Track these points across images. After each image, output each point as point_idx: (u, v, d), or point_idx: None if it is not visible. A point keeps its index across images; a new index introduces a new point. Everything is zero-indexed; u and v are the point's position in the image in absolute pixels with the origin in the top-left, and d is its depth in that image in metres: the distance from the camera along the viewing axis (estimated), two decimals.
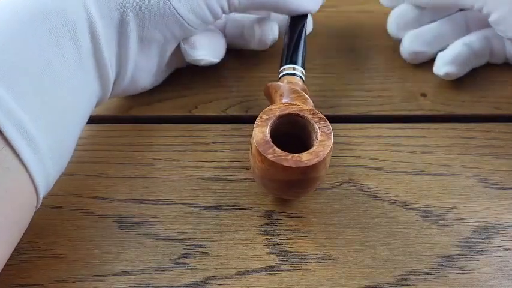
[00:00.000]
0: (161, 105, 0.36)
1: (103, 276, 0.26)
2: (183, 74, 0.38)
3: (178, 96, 0.37)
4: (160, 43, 0.31)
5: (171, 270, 0.26)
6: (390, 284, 0.26)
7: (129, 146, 0.32)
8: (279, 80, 0.32)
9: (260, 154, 0.25)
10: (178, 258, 0.27)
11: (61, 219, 0.28)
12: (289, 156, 0.25)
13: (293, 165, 0.25)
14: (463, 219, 0.29)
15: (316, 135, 0.26)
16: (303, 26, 0.34)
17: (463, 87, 0.37)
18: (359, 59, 0.40)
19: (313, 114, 0.27)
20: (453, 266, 0.26)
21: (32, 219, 0.25)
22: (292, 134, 0.27)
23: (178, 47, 0.33)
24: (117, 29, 0.28)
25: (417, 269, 0.26)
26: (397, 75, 0.38)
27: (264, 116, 0.27)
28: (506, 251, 0.27)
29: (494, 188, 0.30)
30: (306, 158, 0.25)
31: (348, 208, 0.29)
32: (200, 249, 0.27)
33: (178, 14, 0.29)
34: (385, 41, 0.41)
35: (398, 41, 0.38)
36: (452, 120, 0.35)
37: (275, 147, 0.25)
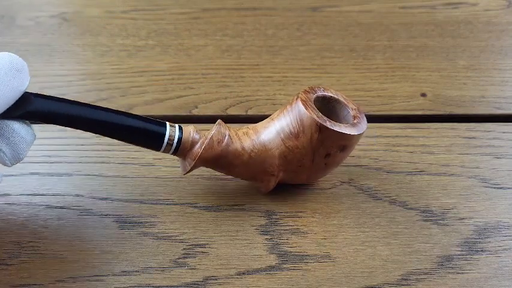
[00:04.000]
0: (161, 105, 0.36)
1: (103, 276, 0.26)
2: (183, 75, 0.38)
3: (178, 96, 0.37)
4: None
5: (171, 270, 0.26)
6: (390, 284, 0.26)
7: (129, 146, 0.32)
8: (179, 151, 0.27)
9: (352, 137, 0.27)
10: (178, 258, 0.27)
11: (61, 219, 0.28)
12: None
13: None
14: (463, 219, 0.29)
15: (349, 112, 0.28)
16: (49, 101, 0.24)
17: (463, 87, 0.37)
18: (359, 59, 0.40)
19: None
20: (453, 266, 0.26)
21: (32, 219, 0.25)
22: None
23: None
24: None
25: (417, 269, 0.26)
26: (397, 75, 0.38)
27: (322, 119, 0.26)
28: (506, 251, 0.27)
29: (494, 188, 0.30)
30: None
31: (348, 208, 0.29)
32: (200, 249, 0.27)
33: None
34: (385, 41, 0.41)
35: (398, 41, 0.38)
36: (452, 120, 0.35)
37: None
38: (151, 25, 0.44)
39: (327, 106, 0.28)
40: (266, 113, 0.35)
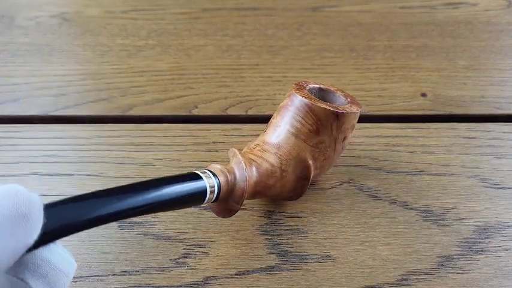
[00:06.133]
0: (161, 105, 0.36)
1: (103, 276, 0.26)
2: (183, 75, 0.38)
3: (178, 96, 0.37)
4: None
5: (171, 270, 0.26)
6: (390, 284, 0.26)
7: (129, 146, 0.32)
8: (220, 196, 0.24)
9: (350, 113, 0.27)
10: (178, 258, 0.27)
11: None
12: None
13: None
14: (463, 219, 0.29)
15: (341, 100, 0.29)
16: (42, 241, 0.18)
17: (463, 87, 0.37)
18: (359, 59, 0.40)
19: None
20: (453, 266, 0.26)
21: None
22: None
23: None
24: None
25: (417, 269, 0.26)
26: (397, 75, 0.38)
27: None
28: (506, 251, 0.27)
29: (494, 188, 0.30)
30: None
31: (348, 208, 0.29)
32: (200, 249, 0.27)
33: None
34: (385, 41, 0.41)
35: (398, 41, 0.38)
36: (452, 120, 0.35)
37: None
38: (151, 25, 0.44)
39: (316, 96, 0.28)
40: (266, 113, 0.35)
